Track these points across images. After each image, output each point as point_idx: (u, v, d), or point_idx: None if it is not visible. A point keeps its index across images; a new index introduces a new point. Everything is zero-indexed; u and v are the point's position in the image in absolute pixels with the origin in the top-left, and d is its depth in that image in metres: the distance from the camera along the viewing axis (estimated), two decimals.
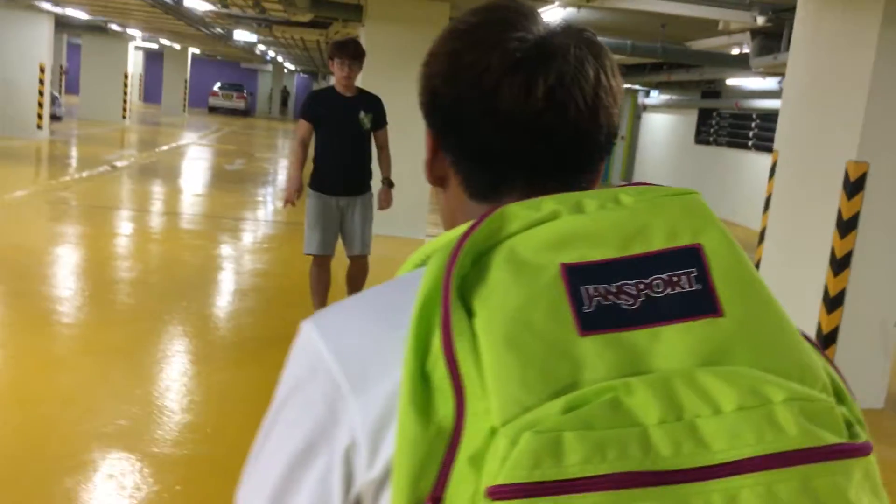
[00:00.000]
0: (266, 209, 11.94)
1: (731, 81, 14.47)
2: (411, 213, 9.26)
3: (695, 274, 0.63)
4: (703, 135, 17.16)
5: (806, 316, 5.21)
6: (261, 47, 24.32)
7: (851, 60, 5.05)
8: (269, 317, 6.11)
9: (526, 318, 0.60)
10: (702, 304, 0.62)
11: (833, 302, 5.13)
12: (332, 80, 5.45)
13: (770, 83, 13.28)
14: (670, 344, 0.60)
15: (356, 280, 5.66)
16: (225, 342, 5.49)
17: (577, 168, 0.79)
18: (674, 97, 18.26)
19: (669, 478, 0.54)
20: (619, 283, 0.62)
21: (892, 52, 4.85)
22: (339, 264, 5.67)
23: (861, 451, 0.58)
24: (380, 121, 5.46)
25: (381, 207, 5.59)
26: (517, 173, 0.78)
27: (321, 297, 5.52)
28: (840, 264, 5.09)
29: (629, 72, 16.87)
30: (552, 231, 0.65)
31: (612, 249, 0.64)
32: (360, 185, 5.47)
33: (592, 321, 0.60)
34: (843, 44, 5.17)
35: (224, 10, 11.38)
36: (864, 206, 5.00)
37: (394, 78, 9.49)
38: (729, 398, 0.57)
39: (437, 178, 0.85)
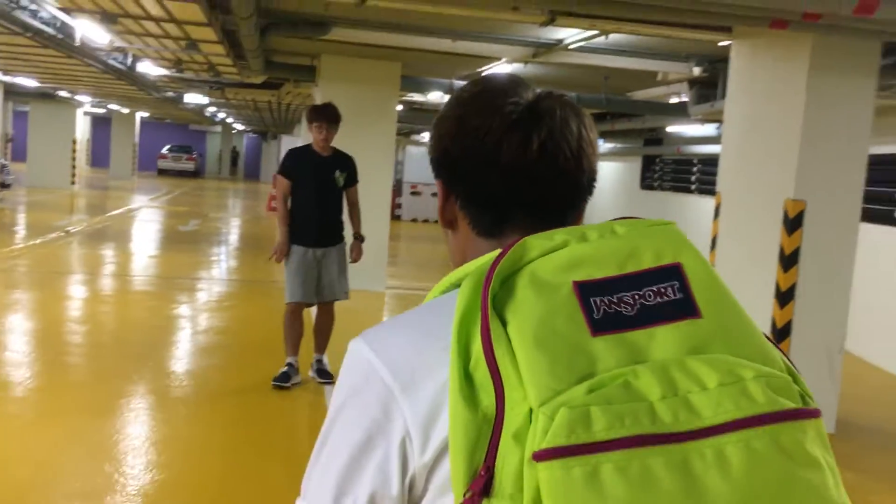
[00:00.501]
0: (221, 268, 11.96)
1: (671, 129, 15.00)
2: (371, 267, 9.39)
3: (677, 286, 0.79)
4: (648, 180, 17.69)
5: None
6: (211, 109, 24.45)
7: (784, 107, 5.41)
8: (236, 371, 6.15)
9: (549, 325, 0.75)
10: (685, 308, 0.78)
11: (781, 333, 5.40)
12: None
13: (709, 129, 13.82)
14: (663, 340, 0.76)
15: (323, 329, 5.87)
16: (197, 398, 5.52)
17: (565, 207, 0.96)
18: (618, 145, 18.82)
19: (672, 438, 0.70)
20: (619, 295, 0.78)
21: (820, 98, 5.22)
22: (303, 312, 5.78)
23: (813, 414, 0.75)
24: (352, 179, 5.83)
25: (354, 260, 5.84)
26: (517, 213, 0.95)
27: (294, 342, 5.74)
28: (785, 297, 5.37)
29: None
30: (564, 257, 0.80)
31: (612, 269, 0.80)
32: (334, 235, 5.78)
33: (601, 325, 0.76)
34: (776, 91, 5.53)
35: (178, 75, 11.53)
36: (803, 241, 5.30)
37: (348, 135, 9.71)
38: (712, 377, 0.73)
39: (447, 222, 1.02)
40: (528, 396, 0.73)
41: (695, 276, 0.81)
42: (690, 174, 15.74)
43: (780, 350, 0.83)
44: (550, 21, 6.19)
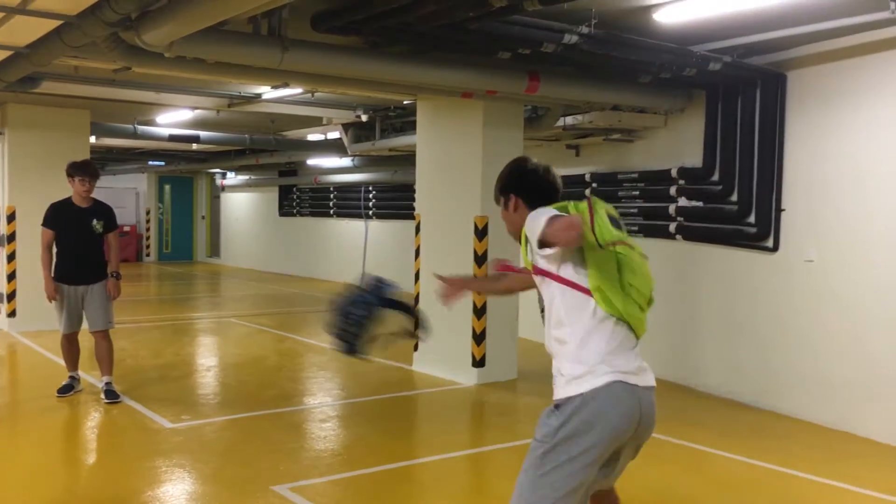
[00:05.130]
0: None
1: (310, 161, 16.87)
2: None
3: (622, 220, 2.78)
4: (287, 208, 19.39)
5: (463, 323, 7.51)
6: None
7: (466, 150, 7.57)
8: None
9: (604, 219, 2.63)
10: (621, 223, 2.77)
11: (480, 311, 7.53)
12: None
13: (345, 161, 15.96)
14: (621, 228, 2.73)
15: (101, 356, 6.79)
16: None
17: (556, 199, 2.84)
18: (253, 177, 20.21)
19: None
20: (613, 220, 2.70)
21: (491, 143, 7.46)
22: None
23: (646, 257, 2.79)
24: (110, 226, 6.81)
25: (112, 297, 6.69)
26: (546, 201, 2.79)
27: (71, 361, 6.88)
28: None
29: (212, 158, 18.41)
30: (605, 206, 2.72)
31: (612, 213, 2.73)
32: (95, 275, 6.70)
33: (613, 226, 2.66)
34: (459, 139, 7.68)
35: None
36: (489, 245, 7.50)
37: (43, 182, 9.94)
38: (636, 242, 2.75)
39: (514, 209, 2.87)
40: (602, 232, 2.59)
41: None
42: (328, 200, 17.81)
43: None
44: (284, 85, 7.66)
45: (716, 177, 7.29)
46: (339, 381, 7.79)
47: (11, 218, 9.98)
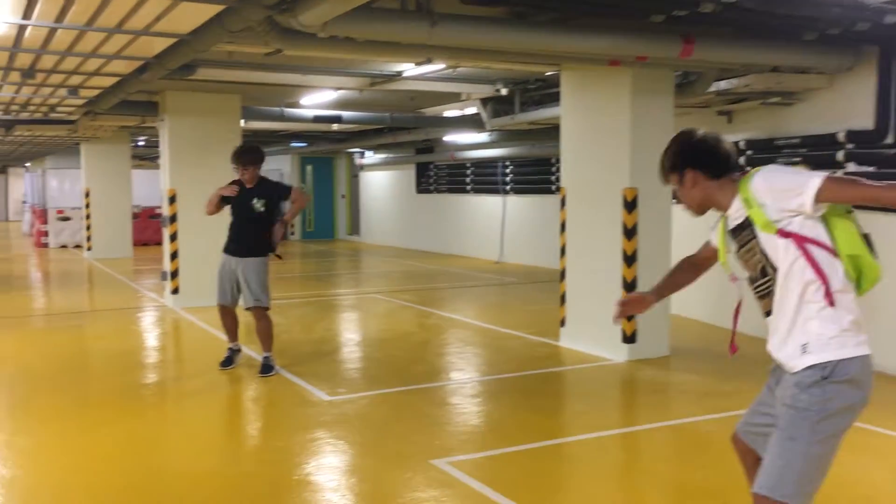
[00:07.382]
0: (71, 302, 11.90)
1: (447, 138, 16.95)
2: None
3: None
4: (424, 185, 19.60)
5: (610, 299, 7.31)
6: None
7: (614, 120, 7.34)
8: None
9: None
10: None
11: (629, 287, 7.31)
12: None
13: (481, 137, 15.94)
14: None
15: (258, 334, 7.01)
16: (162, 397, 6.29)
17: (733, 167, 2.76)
18: (390, 155, 20.53)
19: None
20: None
21: (640, 112, 7.20)
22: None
23: None
24: (273, 201, 6.97)
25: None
26: (727, 169, 2.73)
27: (231, 332, 7.17)
28: (630, 260, 7.31)
29: (351, 137, 18.83)
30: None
31: None
32: (250, 251, 6.88)
33: None
34: (606, 109, 7.44)
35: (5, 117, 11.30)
36: (639, 217, 7.26)
37: (198, 166, 10.43)
38: None
39: (693, 184, 2.73)
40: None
41: None
42: (465, 177, 17.86)
43: None
44: (427, 61, 7.66)
45: (890, 139, 6.75)
46: (485, 357, 7.79)
47: (173, 200, 10.54)
